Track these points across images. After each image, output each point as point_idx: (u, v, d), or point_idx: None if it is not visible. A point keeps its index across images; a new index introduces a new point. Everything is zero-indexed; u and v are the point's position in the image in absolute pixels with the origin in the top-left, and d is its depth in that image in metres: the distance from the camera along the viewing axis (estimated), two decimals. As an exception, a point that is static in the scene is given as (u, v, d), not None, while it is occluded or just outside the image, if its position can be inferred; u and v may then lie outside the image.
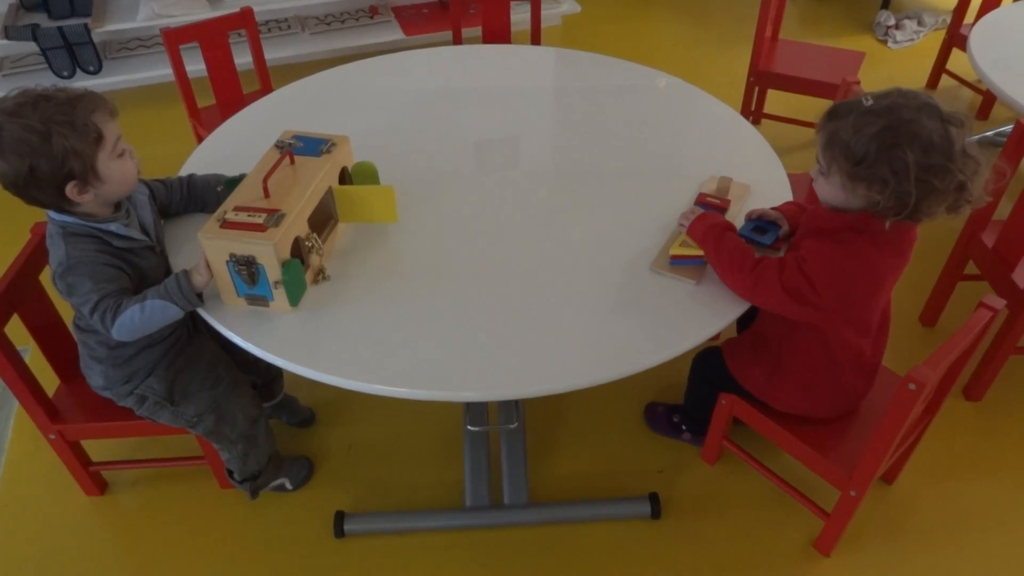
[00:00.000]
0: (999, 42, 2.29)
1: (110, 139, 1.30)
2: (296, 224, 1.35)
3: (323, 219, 1.49)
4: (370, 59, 2.18)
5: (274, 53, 3.28)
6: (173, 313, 1.33)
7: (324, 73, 2.12)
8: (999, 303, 1.38)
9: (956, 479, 1.83)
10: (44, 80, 3.09)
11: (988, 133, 2.99)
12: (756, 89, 2.87)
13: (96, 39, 3.12)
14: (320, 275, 1.44)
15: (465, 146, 1.82)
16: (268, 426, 1.67)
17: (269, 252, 1.28)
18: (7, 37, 2.97)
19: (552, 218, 1.60)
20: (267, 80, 2.54)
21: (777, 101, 2.96)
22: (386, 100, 1.99)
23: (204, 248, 1.30)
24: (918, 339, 2.17)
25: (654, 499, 1.72)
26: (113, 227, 1.35)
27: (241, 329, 1.34)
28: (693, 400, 1.80)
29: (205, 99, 2.43)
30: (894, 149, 1.20)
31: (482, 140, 1.84)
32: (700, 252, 1.45)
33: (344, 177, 1.56)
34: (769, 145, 1.82)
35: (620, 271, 1.46)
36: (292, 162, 1.46)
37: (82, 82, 3.13)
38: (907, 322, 2.21)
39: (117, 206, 1.39)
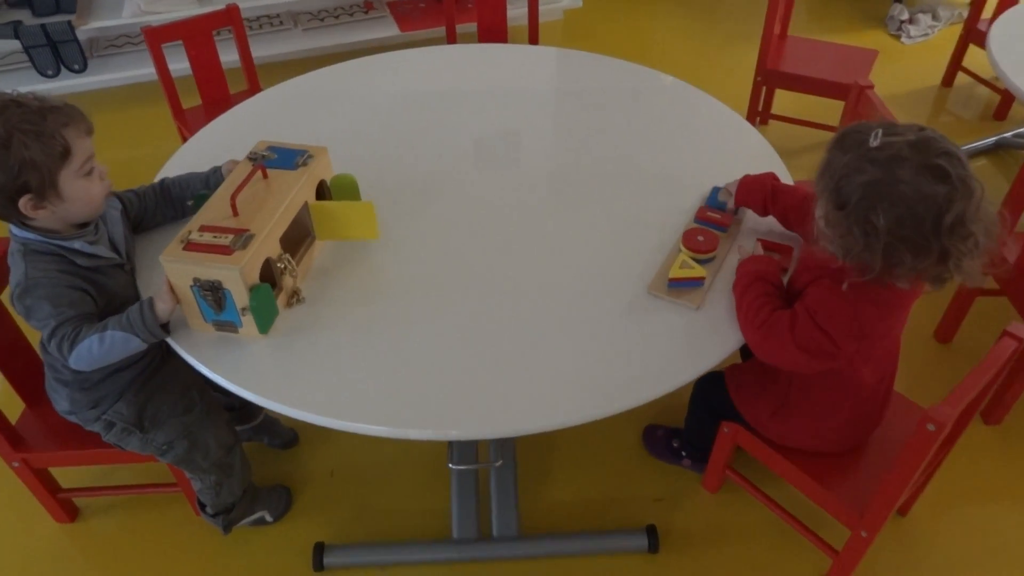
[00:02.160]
0: (1020, 39, 2.16)
1: (79, 156, 1.21)
2: (266, 245, 1.26)
3: (299, 236, 1.40)
4: (360, 59, 2.09)
5: (266, 50, 3.19)
6: (135, 345, 1.24)
7: (312, 74, 2.03)
8: (1024, 332, 1.27)
9: (975, 507, 1.73)
10: (29, 79, 3.04)
11: (1007, 134, 2.87)
12: (764, 89, 2.76)
13: (81, 36, 3.02)
14: (294, 298, 1.35)
15: (454, 154, 1.72)
16: (244, 455, 1.58)
17: (235, 277, 1.19)
18: (-11, 35, 2.88)
19: (544, 235, 1.50)
20: (255, 79, 2.45)
21: (786, 101, 2.83)
22: (374, 103, 1.90)
23: (166, 271, 1.21)
24: (933, 356, 2.07)
25: (651, 532, 1.62)
26: (77, 244, 1.26)
27: (208, 357, 1.26)
28: (694, 426, 1.70)
29: (192, 99, 2.34)
30: (870, 211, 1.07)
31: (471, 149, 1.74)
32: (701, 274, 1.35)
33: (322, 191, 1.47)
34: (775, 152, 1.71)
35: (616, 294, 1.36)
36: (265, 176, 1.37)
37: (67, 81, 3.04)
38: (921, 338, 2.10)
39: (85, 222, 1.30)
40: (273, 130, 1.79)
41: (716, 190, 1.55)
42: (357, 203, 1.44)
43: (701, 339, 1.29)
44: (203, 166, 1.51)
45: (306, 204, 1.39)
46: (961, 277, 1.11)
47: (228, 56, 2.36)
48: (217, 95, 2.38)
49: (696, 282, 1.36)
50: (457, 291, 1.38)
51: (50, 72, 3.00)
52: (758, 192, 1.45)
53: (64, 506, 1.69)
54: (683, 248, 1.41)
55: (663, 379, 1.23)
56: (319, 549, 1.59)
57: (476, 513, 1.63)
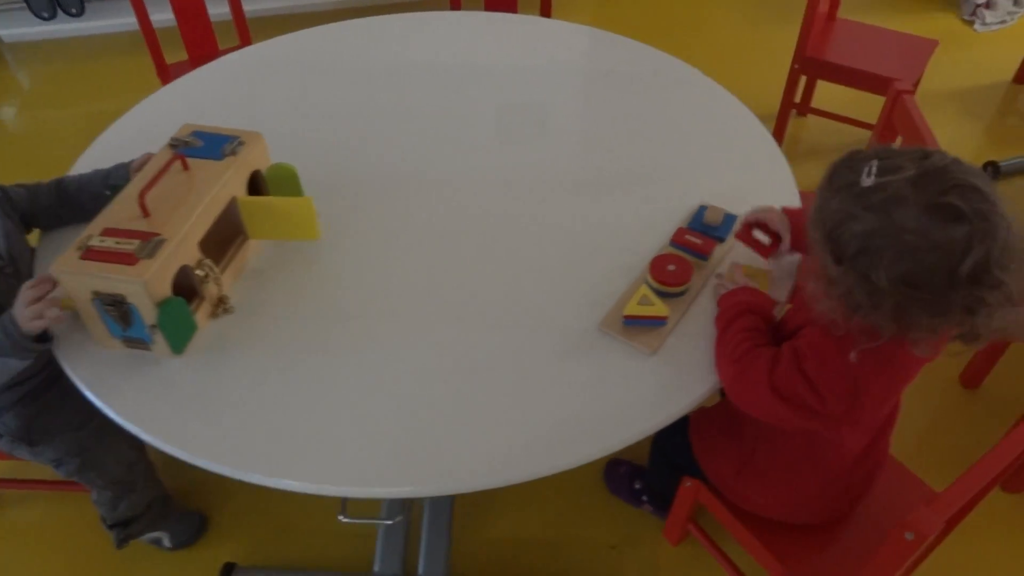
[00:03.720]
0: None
1: None
2: (181, 250, 1.10)
3: (229, 235, 1.24)
4: (349, 22, 1.92)
5: (266, 3, 3.02)
6: (13, 364, 1.08)
7: (291, 36, 1.86)
8: (1049, 421, 1.04)
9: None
10: (24, 21, 2.90)
11: (1081, 146, 2.52)
12: (804, 78, 2.47)
13: (81, -22, 2.89)
14: (220, 307, 1.19)
15: (421, 143, 1.52)
16: (150, 470, 1.44)
17: (139, 291, 1.03)
18: (-16, -28, 2.77)
19: (503, 250, 1.30)
20: (246, 35, 2.30)
21: (832, 92, 2.50)
22: (349, 76, 1.72)
23: (61, 284, 1.05)
24: (956, 403, 1.81)
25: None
26: None
27: (104, 380, 1.09)
28: (654, 474, 1.51)
29: (182, 53, 2.19)
30: (869, 267, 0.86)
31: (439, 138, 1.54)
32: (662, 312, 1.14)
33: (258, 183, 1.30)
34: (785, 160, 1.48)
35: (567, 329, 1.17)
36: (185, 167, 1.20)
37: (63, 25, 2.92)
38: (945, 381, 1.85)
39: None
40: (226, 102, 1.64)
41: (703, 209, 1.32)
42: (294, 199, 1.27)
43: (655, 392, 1.10)
44: (153, 132, 1.32)
45: (235, 200, 1.23)
46: (998, 334, 0.89)
47: (220, 8, 2.20)
48: (204, 51, 2.23)
49: (656, 321, 1.15)
50: (395, 313, 1.20)
51: (45, 14, 2.88)
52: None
53: (-25, 495, 1.61)
54: (649, 278, 1.21)
55: (601, 437, 1.05)
56: (228, 570, 1.46)
57: (403, 547, 1.47)
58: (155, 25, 2.16)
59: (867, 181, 0.87)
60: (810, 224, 0.94)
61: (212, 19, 2.22)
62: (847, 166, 0.91)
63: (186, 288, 1.13)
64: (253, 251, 1.29)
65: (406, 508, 1.50)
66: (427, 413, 1.06)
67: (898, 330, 0.89)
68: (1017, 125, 2.74)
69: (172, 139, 1.25)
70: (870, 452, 1.16)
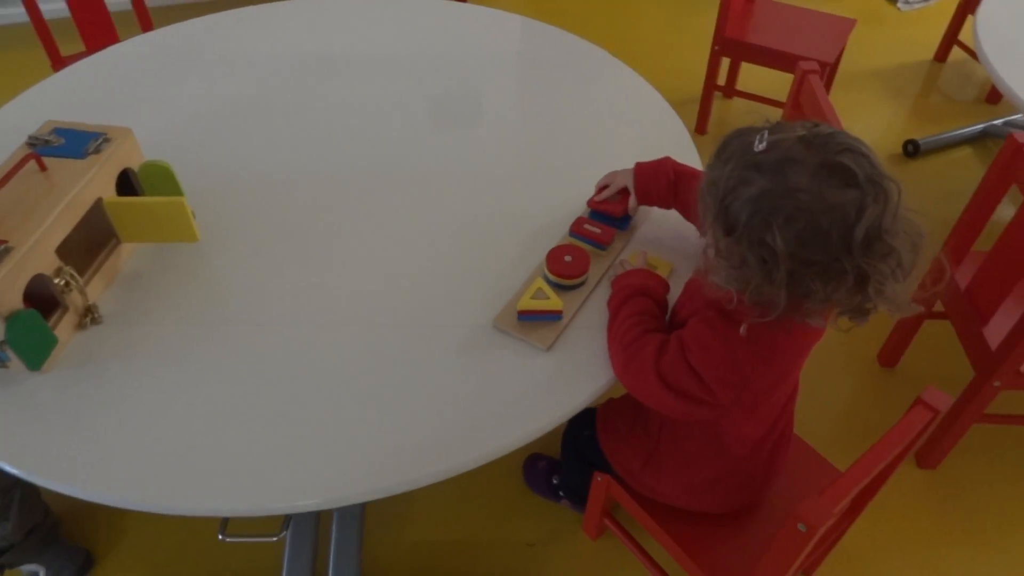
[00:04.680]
0: (1017, 19, 1.86)
1: None
2: (33, 258, 1.01)
3: (98, 239, 1.16)
4: (259, 7, 1.84)
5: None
6: None
7: (189, 23, 1.78)
8: (942, 402, 1.03)
9: (902, 558, 1.51)
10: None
11: (996, 121, 2.56)
12: (727, 60, 2.45)
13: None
14: (87, 317, 1.11)
15: (315, 138, 1.45)
16: (31, 499, 1.35)
17: None
18: None
19: (395, 245, 1.24)
20: (148, 25, 2.18)
21: (759, 74, 2.50)
22: (244, 66, 1.63)
23: None
24: (874, 381, 1.82)
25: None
26: None
27: None
28: (567, 469, 1.47)
29: (76, 45, 2.07)
30: (764, 231, 0.83)
31: (334, 131, 1.47)
32: (557, 306, 1.10)
33: (131, 182, 1.22)
34: (695, 149, 1.45)
35: (464, 326, 1.12)
36: (42, 168, 1.12)
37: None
38: (863, 360, 1.85)
39: None
40: (109, 96, 1.54)
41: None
42: (163, 199, 1.19)
43: (550, 389, 1.05)
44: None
45: (101, 202, 1.15)
46: (885, 305, 0.88)
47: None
48: (103, 41, 2.11)
49: (551, 316, 1.11)
50: (282, 317, 1.13)
51: (-67, 6, 2.71)
52: (661, 181, 1.20)
53: None
54: (545, 271, 1.16)
55: (495, 436, 1.00)
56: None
57: (312, 558, 1.41)
58: (51, 16, 2.04)
59: (759, 147, 0.85)
60: (701, 199, 0.91)
61: (112, 7, 2.10)
62: (737, 137, 0.89)
63: (45, 298, 1.05)
64: (127, 256, 1.21)
65: (307, 521, 1.44)
66: (315, 421, 1.00)
67: (790, 303, 0.86)
68: (938, 103, 2.77)
69: (30, 137, 1.16)
70: (771, 433, 1.14)
